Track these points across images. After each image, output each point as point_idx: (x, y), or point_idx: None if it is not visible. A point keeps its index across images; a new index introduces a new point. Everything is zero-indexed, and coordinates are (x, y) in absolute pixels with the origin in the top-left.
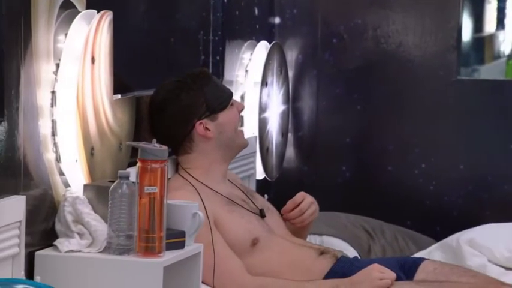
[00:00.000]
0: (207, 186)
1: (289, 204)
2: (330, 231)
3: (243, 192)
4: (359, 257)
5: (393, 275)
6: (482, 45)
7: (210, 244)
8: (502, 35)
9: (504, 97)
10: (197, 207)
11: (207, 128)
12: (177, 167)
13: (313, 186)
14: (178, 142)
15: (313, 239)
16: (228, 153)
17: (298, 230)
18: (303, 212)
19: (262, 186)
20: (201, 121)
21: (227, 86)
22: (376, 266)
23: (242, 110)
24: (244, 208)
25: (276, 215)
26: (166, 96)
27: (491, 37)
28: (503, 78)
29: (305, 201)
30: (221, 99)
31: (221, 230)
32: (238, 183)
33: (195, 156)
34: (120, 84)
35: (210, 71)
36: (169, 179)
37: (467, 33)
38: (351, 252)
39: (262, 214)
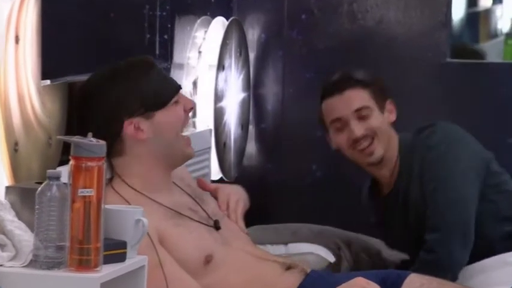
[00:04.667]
0: (146, 196)
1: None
2: (295, 239)
3: (191, 197)
4: (334, 259)
5: None
6: (477, 21)
7: (158, 266)
8: (499, 10)
9: (502, 82)
10: (141, 213)
11: (139, 128)
12: (111, 171)
13: (278, 187)
14: (108, 143)
15: (277, 249)
16: (169, 162)
17: None
18: (227, 205)
19: None
20: (131, 120)
21: (176, 71)
22: (361, 280)
23: (191, 109)
24: (194, 220)
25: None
26: (95, 87)
27: (487, 12)
28: (501, 60)
29: (221, 199)
30: (161, 94)
31: (168, 247)
32: (186, 182)
33: (128, 161)
34: (49, 68)
35: (157, 51)
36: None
37: (459, 7)
38: (324, 254)
39: (216, 226)
